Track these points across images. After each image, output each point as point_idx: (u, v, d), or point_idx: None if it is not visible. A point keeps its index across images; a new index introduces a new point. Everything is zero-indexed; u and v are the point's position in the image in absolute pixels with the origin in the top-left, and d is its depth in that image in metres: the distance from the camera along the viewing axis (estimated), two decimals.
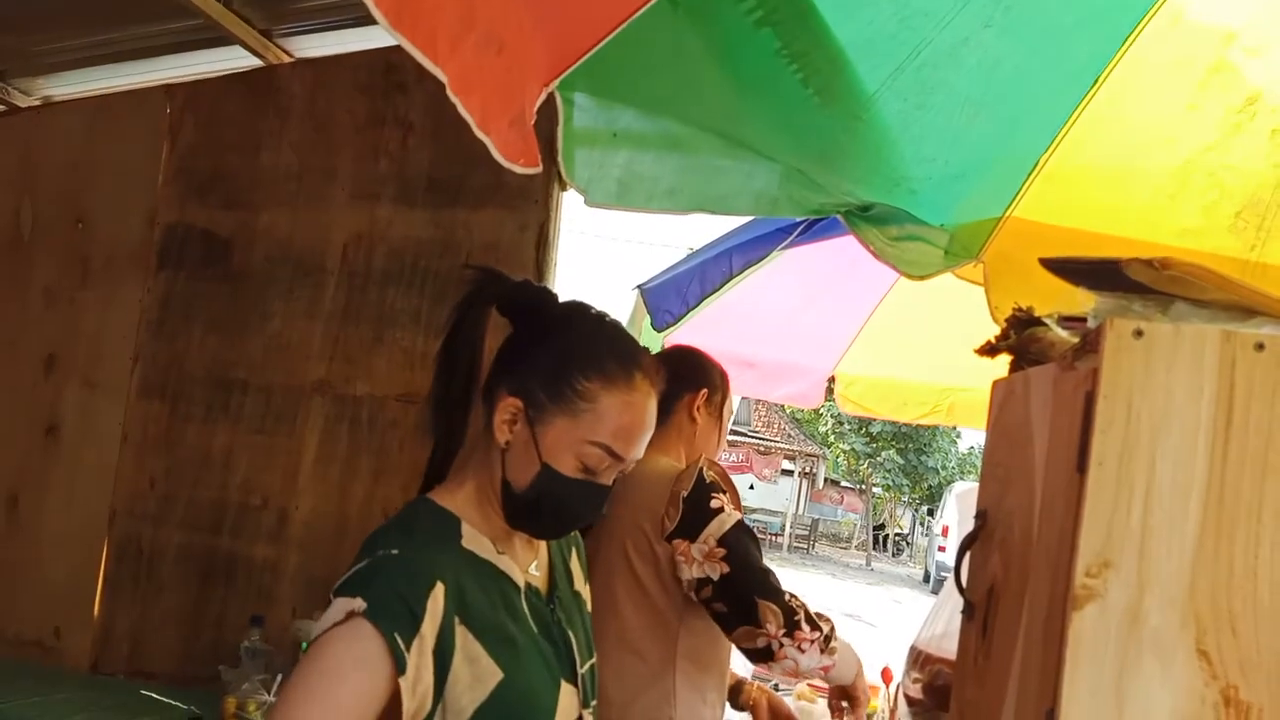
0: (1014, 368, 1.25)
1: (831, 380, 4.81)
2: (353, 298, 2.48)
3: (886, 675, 2.81)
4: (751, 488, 22.49)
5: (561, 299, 1.28)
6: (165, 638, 2.52)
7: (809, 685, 2.93)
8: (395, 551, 1.11)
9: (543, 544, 1.32)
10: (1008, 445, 1.23)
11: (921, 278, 2.35)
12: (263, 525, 2.49)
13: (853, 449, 23.52)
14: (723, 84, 1.97)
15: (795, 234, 2.78)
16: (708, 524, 1.80)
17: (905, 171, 2.21)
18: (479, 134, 1.44)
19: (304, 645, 2.11)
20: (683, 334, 3.42)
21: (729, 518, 1.81)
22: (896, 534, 27.79)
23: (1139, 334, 0.87)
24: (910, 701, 2.72)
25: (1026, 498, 1.08)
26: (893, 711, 2.75)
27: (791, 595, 1.81)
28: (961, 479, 21.16)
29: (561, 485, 1.18)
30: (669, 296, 3.20)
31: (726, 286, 3.05)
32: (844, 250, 2.87)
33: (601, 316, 1.25)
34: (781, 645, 1.76)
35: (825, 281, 4.00)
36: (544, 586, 1.28)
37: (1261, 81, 2.04)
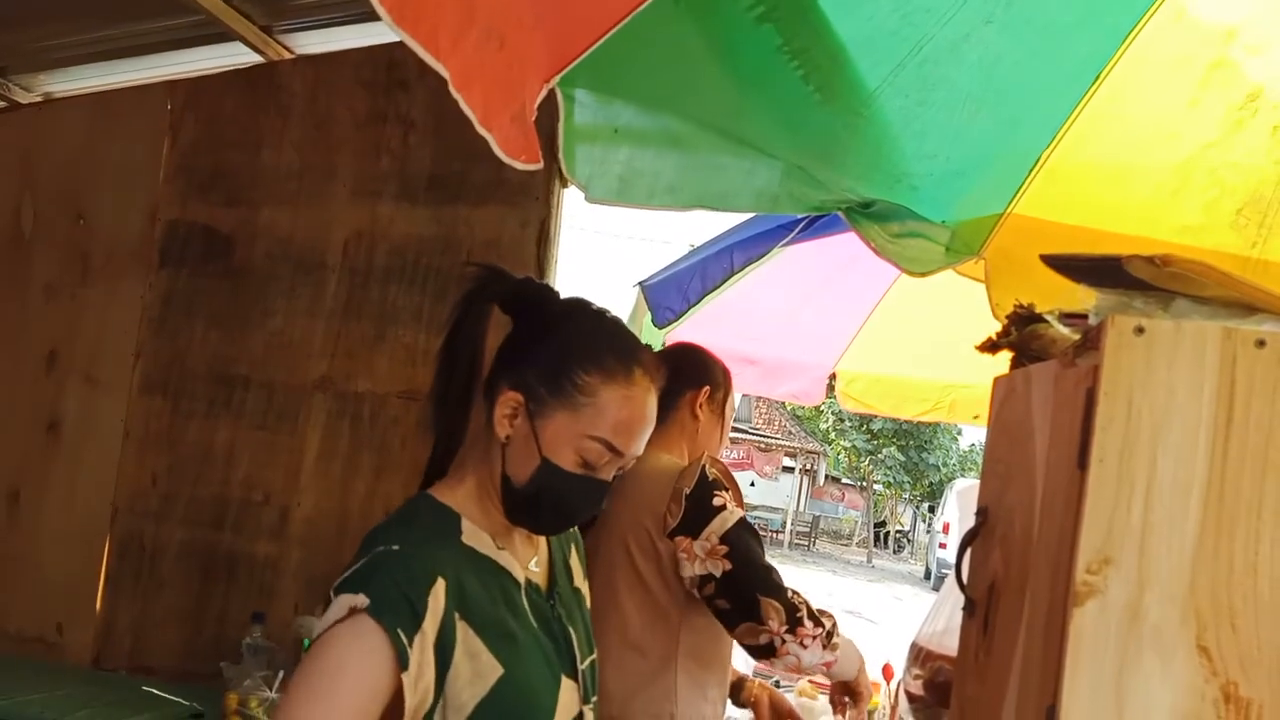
0: (1015, 364, 1.25)
1: (832, 377, 4.80)
2: (354, 294, 2.48)
3: (888, 672, 2.82)
4: (752, 485, 22.47)
5: (563, 295, 1.28)
6: (167, 634, 2.53)
7: (810, 682, 2.93)
8: (396, 547, 1.11)
9: (542, 540, 1.32)
10: (1008, 442, 1.23)
11: (922, 274, 2.35)
12: (264, 522, 2.49)
13: (854, 446, 23.49)
14: (723, 80, 1.96)
15: (796, 231, 2.77)
16: (710, 521, 1.80)
17: (906, 168, 2.21)
18: (481, 130, 1.44)
19: (305, 642, 2.12)
20: (684, 331, 3.42)
21: (731, 515, 1.82)
22: (897, 531, 27.79)
23: (1140, 331, 0.87)
24: (911, 698, 2.72)
25: (1027, 494, 1.08)
26: (894, 708, 2.75)
27: (793, 592, 1.81)
28: (962, 476, 21.14)
29: (561, 480, 1.18)
30: (670, 293, 3.20)
31: (727, 283, 3.05)
32: (845, 247, 2.87)
33: (602, 312, 1.26)
34: (784, 642, 1.76)
35: (826, 278, 3.99)
36: (544, 582, 1.29)
37: (1262, 78, 2.03)
